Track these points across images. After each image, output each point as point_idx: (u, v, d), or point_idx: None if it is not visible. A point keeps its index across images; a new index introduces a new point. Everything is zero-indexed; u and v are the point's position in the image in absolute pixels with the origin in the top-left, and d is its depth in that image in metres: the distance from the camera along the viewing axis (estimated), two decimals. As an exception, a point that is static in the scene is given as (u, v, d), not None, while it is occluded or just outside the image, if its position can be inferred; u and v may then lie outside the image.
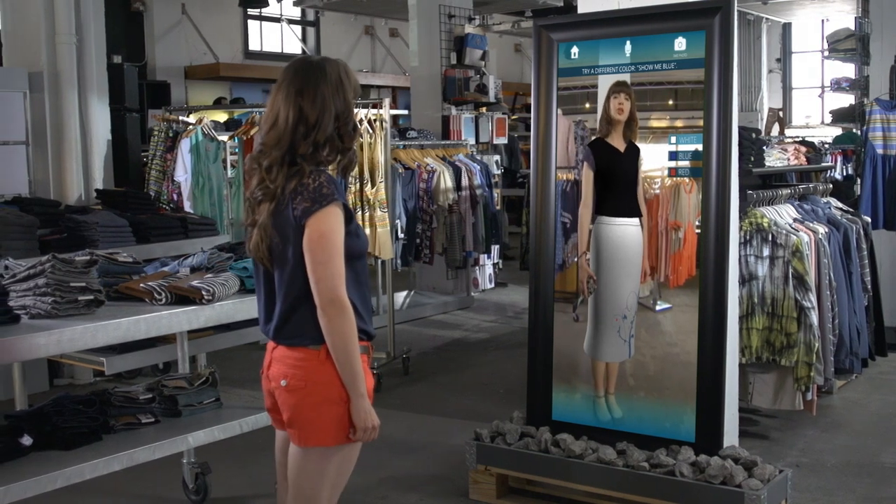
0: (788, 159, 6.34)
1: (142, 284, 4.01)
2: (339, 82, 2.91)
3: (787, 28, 18.62)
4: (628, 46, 4.59)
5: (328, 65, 2.93)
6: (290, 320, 2.92)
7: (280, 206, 2.85)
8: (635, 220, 4.60)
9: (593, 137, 4.71)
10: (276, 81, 2.94)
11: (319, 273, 2.81)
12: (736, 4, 4.41)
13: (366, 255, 3.06)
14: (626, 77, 4.60)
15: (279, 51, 16.29)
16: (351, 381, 2.87)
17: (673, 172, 4.53)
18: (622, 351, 4.65)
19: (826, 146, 10.05)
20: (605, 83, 4.66)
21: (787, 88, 18.88)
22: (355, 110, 7.19)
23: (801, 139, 9.34)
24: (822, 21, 17.62)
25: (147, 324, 3.81)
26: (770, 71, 18.49)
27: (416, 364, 7.58)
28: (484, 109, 11.22)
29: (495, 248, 10.34)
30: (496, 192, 10.07)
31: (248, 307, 4.09)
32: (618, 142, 4.64)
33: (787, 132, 14.78)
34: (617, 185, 4.67)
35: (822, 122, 14.54)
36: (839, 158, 9.58)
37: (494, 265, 10.91)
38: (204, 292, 3.95)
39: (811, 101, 18.27)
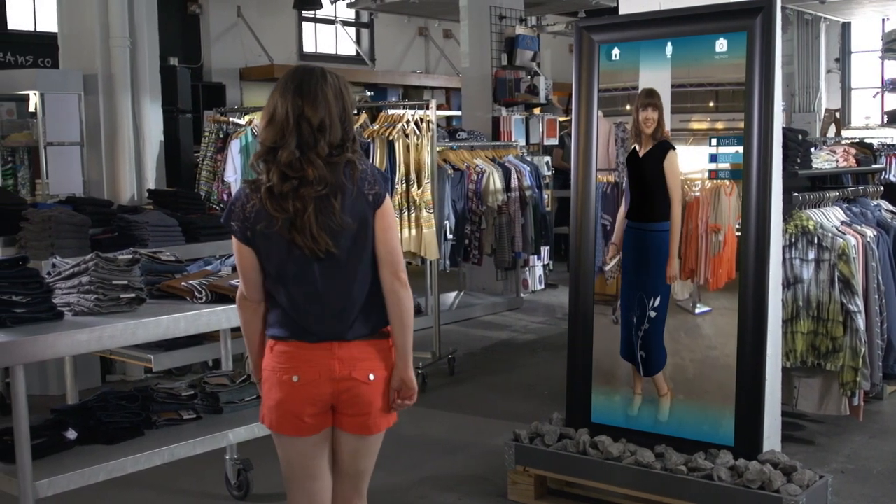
0: (837, 161, 6.25)
1: (183, 283, 4.09)
2: (339, 91, 2.96)
3: (846, 27, 18.30)
4: (669, 48, 4.57)
5: (328, 72, 2.99)
6: (364, 311, 3.03)
7: (348, 197, 2.92)
8: (658, 225, 4.58)
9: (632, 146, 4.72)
10: (275, 85, 2.99)
11: (395, 244, 3.04)
12: (779, 4, 4.36)
13: None
14: (668, 76, 4.58)
15: (333, 52, 16.43)
16: (410, 348, 3.09)
17: (713, 175, 4.50)
18: (637, 362, 4.68)
19: (886, 147, 9.87)
20: (645, 83, 4.64)
21: (847, 89, 18.56)
22: (402, 111, 7.29)
23: (858, 140, 9.20)
24: (883, 20, 17.31)
25: (187, 321, 3.89)
26: (829, 71, 18.19)
27: (462, 364, 7.61)
28: (538, 110, 11.20)
29: (545, 250, 10.32)
30: (546, 194, 10.05)
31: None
32: (643, 148, 4.64)
33: (846, 133, 14.54)
34: (636, 190, 4.69)
35: (882, 124, 14.29)
36: (894, 160, 9.41)
37: (545, 266, 10.89)
38: (243, 291, 4.01)
39: (871, 101, 17.94)
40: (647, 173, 4.63)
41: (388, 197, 3.03)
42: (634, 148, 4.68)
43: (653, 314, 4.62)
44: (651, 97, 4.59)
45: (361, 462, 3.16)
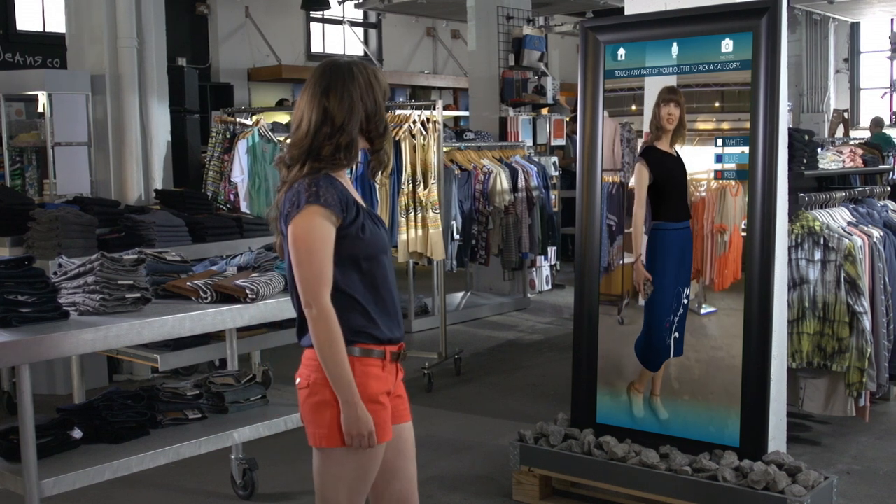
0: (843, 161, 6.23)
1: (188, 283, 4.10)
2: (369, 83, 2.89)
3: (855, 27, 18.27)
4: (675, 48, 4.56)
5: (356, 67, 2.91)
6: (303, 321, 2.89)
7: (278, 209, 2.87)
8: (684, 223, 4.57)
9: (646, 144, 4.67)
10: (305, 82, 2.93)
11: (298, 275, 2.78)
12: (784, 5, 4.34)
13: (381, 255, 2.92)
14: (673, 80, 4.57)
15: (341, 53, 16.45)
16: (336, 386, 2.79)
17: (719, 175, 4.49)
18: (670, 348, 4.63)
19: (894, 147, 9.85)
20: (651, 85, 4.64)
21: (855, 89, 18.52)
22: (408, 111, 7.29)
23: (866, 141, 9.18)
24: (892, 20, 17.26)
25: (192, 321, 3.90)
26: (837, 71, 18.15)
27: (468, 364, 7.61)
28: (545, 111, 11.21)
29: (552, 250, 10.32)
30: (553, 194, 10.05)
31: (291, 306, 4.14)
32: (667, 147, 4.61)
33: (854, 133, 14.51)
34: (672, 190, 4.63)
35: (891, 124, 14.26)
36: (902, 161, 9.38)
37: (552, 267, 10.89)
38: (248, 291, 4.03)
39: (879, 102, 17.89)
40: (682, 175, 4.57)
41: (298, 218, 2.74)
42: (659, 149, 4.62)
43: (686, 301, 4.59)
44: (674, 93, 4.56)
45: (314, 475, 2.93)
